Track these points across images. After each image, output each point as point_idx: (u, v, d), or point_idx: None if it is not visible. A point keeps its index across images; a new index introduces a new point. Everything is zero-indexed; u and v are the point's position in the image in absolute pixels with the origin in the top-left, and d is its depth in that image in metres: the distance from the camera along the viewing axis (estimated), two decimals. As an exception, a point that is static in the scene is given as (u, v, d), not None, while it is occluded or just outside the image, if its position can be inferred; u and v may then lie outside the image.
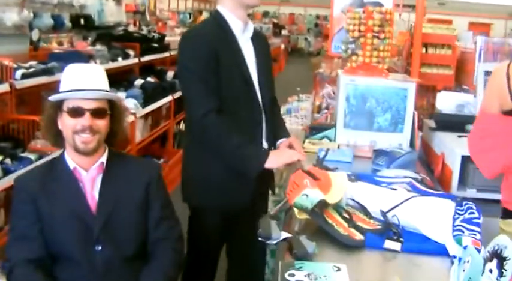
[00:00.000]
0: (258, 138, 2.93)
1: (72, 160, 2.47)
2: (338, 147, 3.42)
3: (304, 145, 3.41)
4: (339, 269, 1.84)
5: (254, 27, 3.02)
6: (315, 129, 3.72)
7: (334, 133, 3.58)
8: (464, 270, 1.70)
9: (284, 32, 28.05)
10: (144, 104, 6.15)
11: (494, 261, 1.61)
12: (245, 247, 3.16)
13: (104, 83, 2.47)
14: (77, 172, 2.46)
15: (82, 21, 8.82)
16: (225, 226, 3.03)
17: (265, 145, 2.99)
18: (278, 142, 3.04)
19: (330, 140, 3.57)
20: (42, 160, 3.98)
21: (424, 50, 4.33)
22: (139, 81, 6.60)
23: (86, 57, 5.48)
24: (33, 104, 4.84)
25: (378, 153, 3.14)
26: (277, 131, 3.10)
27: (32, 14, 7.07)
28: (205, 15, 19.69)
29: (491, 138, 2.51)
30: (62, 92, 2.40)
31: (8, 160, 3.89)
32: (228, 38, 2.88)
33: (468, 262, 1.69)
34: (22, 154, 4.10)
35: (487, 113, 2.52)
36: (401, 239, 2.09)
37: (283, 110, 6.28)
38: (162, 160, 7.14)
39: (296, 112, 6.45)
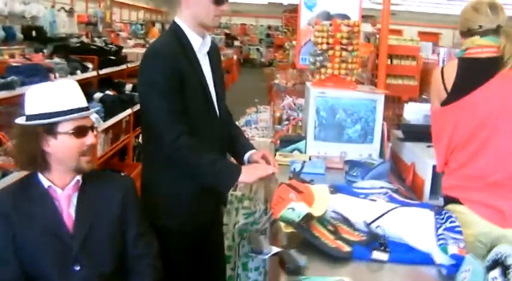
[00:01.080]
0: (216, 152, 2.90)
1: (47, 179, 2.38)
2: (309, 159, 3.45)
3: (275, 157, 3.42)
4: (344, 283, 1.86)
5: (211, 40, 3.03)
6: (284, 142, 3.73)
7: (305, 145, 3.61)
8: (465, 278, 1.73)
9: (236, 43, 28.09)
10: (105, 118, 6.07)
11: (497, 269, 1.64)
12: (213, 261, 3.14)
13: (84, 98, 2.42)
14: (51, 190, 2.38)
15: (34, 33, 8.69)
16: (191, 245, 2.95)
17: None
18: (247, 154, 3.02)
19: (301, 152, 3.59)
20: (6, 178, 3.90)
21: (389, 61, 4.40)
22: (98, 95, 6.49)
23: (45, 71, 5.38)
24: (-5, 118, 4.73)
25: (352, 164, 3.16)
26: (242, 143, 3.13)
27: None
28: (157, 27, 19.63)
29: (434, 133, 2.88)
30: (56, 113, 2.29)
31: (-31, 178, 3.79)
32: (189, 54, 2.83)
33: (468, 271, 1.72)
34: (-16, 172, 4.00)
35: (431, 111, 2.90)
36: (388, 249, 2.12)
37: (242, 121, 6.29)
38: (122, 174, 7.06)
39: (256, 124, 6.44)
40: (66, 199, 2.40)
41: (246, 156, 3.02)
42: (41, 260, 2.31)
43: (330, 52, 3.62)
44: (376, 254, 2.11)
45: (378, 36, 4.42)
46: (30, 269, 2.32)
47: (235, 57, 22.76)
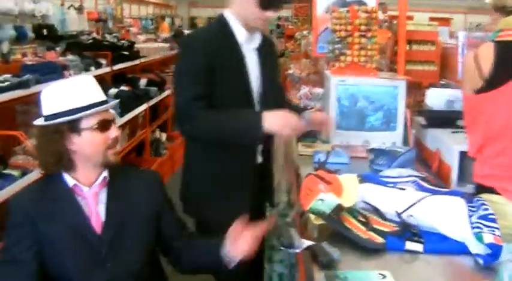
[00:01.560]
0: (251, 153, 2.87)
1: (72, 178, 2.30)
2: (332, 149, 3.39)
3: (298, 148, 3.37)
4: (384, 277, 1.81)
5: (263, 36, 2.93)
6: (308, 131, 3.67)
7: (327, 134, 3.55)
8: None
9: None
10: (121, 114, 6.04)
11: None
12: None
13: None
14: (77, 189, 2.30)
15: (45, 31, 8.68)
16: None
17: (259, 159, 2.94)
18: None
19: (323, 142, 3.54)
20: (26, 177, 3.88)
21: (408, 47, 4.33)
22: (113, 91, 6.47)
23: (60, 69, 5.35)
24: (8, 118, 4.71)
25: (377, 153, 3.10)
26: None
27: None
28: (167, 21, 19.59)
29: (468, 119, 2.70)
30: (77, 109, 2.21)
31: (-11, 178, 3.77)
32: (232, 46, 2.78)
33: None
34: (4, 171, 3.97)
35: (464, 97, 2.71)
36: (422, 239, 2.06)
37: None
38: (146, 168, 7.04)
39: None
40: (93, 197, 2.31)
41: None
42: (67, 262, 2.24)
43: (349, 39, 3.56)
44: (410, 245, 2.05)
45: (394, 22, 4.35)
46: (56, 271, 2.25)
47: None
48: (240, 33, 2.80)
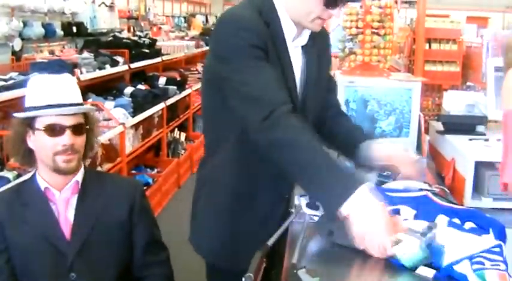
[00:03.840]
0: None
1: (43, 180, 2.26)
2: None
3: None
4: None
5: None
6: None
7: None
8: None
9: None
10: (134, 113, 5.90)
11: None
12: None
13: (78, 95, 2.28)
14: (49, 192, 2.26)
15: (74, 29, 8.65)
16: None
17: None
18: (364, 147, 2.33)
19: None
20: (20, 179, 3.76)
21: (427, 46, 4.05)
22: (129, 89, 6.36)
23: (70, 66, 5.18)
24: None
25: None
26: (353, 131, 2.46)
27: (21, 24, 6.90)
28: (200, 19, 19.49)
29: (507, 138, 2.20)
30: (33, 107, 2.18)
31: (-17, 180, 3.65)
32: (277, 42, 2.17)
33: None
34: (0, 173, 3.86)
35: (505, 111, 2.22)
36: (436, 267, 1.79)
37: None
38: (155, 170, 6.92)
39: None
40: (64, 203, 2.26)
41: (363, 148, 2.34)
42: (35, 269, 2.21)
43: (360, 37, 3.32)
44: (422, 270, 1.78)
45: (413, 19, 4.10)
46: (24, 278, 2.22)
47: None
48: (288, 29, 2.20)
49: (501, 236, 1.93)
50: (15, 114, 2.24)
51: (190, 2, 21.31)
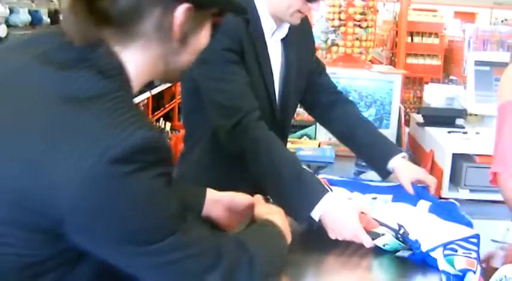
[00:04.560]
0: None
1: None
2: (319, 145, 3.18)
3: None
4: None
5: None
6: (293, 127, 3.47)
7: (315, 131, 3.34)
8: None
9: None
10: (118, 101, 5.90)
11: None
12: None
13: None
14: None
15: (61, 16, 8.61)
16: None
17: None
18: (393, 162, 2.33)
19: (310, 138, 3.33)
20: None
21: (409, 39, 4.08)
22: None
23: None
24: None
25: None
26: (382, 143, 2.43)
27: (8, 10, 6.86)
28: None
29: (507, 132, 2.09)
30: None
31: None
32: (256, 38, 2.17)
33: None
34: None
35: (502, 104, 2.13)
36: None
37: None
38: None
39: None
40: None
41: (391, 164, 2.34)
42: None
43: (342, 29, 3.35)
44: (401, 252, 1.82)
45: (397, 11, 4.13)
46: None
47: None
48: (267, 24, 2.21)
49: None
50: None
51: None
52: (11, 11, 7.15)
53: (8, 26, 6.86)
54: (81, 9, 1.12)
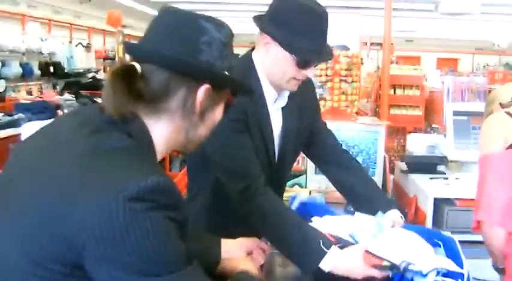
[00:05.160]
0: None
1: None
2: (310, 193, 3.37)
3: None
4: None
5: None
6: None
7: (305, 180, 3.54)
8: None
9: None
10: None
11: None
12: None
13: None
14: None
15: (52, 68, 8.80)
16: None
17: None
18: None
19: (301, 187, 3.53)
20: None
21: (392, 91, 4.33)
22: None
23: (53, 108, 5.42)
24: (1, 157, 4.76)
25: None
26: (380, 198, 2.59)
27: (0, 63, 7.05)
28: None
29: (493, 179, 2.28)
30: None
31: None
32: (259, 105, 2.33)
33: None
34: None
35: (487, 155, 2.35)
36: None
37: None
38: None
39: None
40: None
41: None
42: None
43: (329, 84, 3.58)
44: None
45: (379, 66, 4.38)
46: None
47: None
48: (269, 93, 2.36)
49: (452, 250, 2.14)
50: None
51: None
52: (3, 64, 7.34)
53: (0, 78, 7.06)
54: (120, 88, 1.34)
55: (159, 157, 1.48)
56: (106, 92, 1.35)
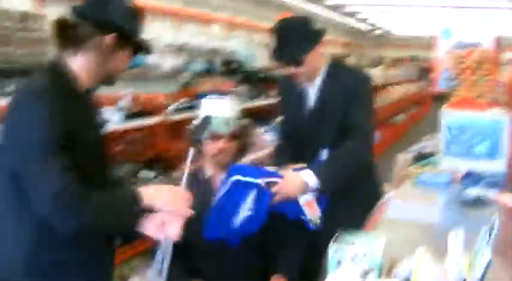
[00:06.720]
0: None
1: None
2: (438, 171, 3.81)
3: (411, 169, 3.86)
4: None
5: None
6: (420, 157, 4.14)
7: (438, 160, 3.97)
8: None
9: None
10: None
11: None
12: None
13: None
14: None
15: (232, 66, 9.60)
16: None
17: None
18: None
19: (434, 166, 3.97)
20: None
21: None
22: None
23: (228, 96, 6.22)
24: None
25: (465, 175, 3.52)
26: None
27: (186, 60, 7.99)
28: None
29: None
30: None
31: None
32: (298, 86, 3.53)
33: None
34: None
35: None
36: None
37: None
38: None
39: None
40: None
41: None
42: None
43: (462, 77, 3.99)
44: None
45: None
46: None
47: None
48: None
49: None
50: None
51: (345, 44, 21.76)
52: (189, 60, 8.25)
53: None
54: (56, 33, 2.35)
55: (87, 83, 2.35)
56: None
